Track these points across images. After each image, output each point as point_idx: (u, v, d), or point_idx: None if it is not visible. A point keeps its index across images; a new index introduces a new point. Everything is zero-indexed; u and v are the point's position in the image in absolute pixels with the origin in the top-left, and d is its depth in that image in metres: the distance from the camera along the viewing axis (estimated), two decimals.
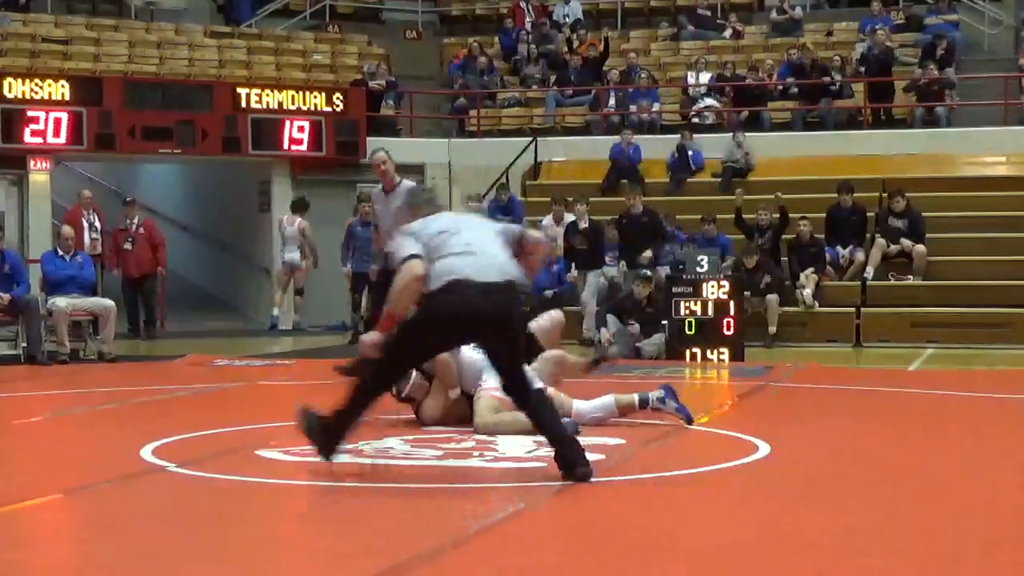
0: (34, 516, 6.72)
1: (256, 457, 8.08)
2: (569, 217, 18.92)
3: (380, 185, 12.76)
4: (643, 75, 24.35)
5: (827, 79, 23.07)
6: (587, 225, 18.28)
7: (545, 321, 9.99)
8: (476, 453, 8.04)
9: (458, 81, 25.41)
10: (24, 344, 15.39)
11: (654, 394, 9.22)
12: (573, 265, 18.31)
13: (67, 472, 7.85)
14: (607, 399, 9.27)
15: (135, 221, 19.94)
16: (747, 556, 5.53)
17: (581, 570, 5.33)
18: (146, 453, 8.15)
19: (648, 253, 18.02)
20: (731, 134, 22.12)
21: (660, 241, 18.30)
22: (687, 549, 5.66)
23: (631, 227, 18.48)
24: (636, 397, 9.25)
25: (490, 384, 8.70)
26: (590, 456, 7.36)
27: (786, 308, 17.90)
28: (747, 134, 22.16)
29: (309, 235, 20.67)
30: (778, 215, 18.65)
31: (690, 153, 21.86)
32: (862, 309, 18.26)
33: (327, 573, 5.39)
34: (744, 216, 18.88)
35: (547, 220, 19.05)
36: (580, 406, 9.15)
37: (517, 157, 22.46)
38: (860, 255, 18.84)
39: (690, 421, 9.20)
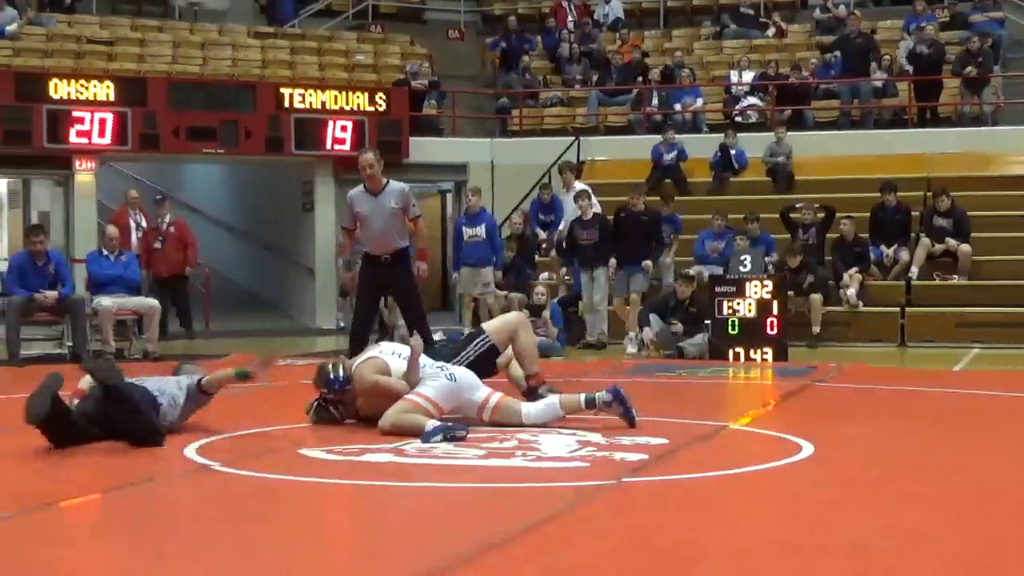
0: (78, 514, 6.76)
1: (299, 456, 8.10)
2: (579, 185, 18.86)
3: (361, 186, 12.61)
4: (684, 73, 24.25)
5: (875, 78, 22.96)
6: (595, 215, 17.73)
7: (497, 321, 10.49)
8: (518, 453, 8.03)
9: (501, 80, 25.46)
10: (70, 343, 15.49)
11: (600, 395, 9.22)
12: (576, 262, 17.89)
13: (112, 470, 7.88)
14: (551, 400, 9.40)
15: (166, 220, 19.71)
16: (790, 557, 5.50)
17: (623, 570, 5.31)
18: (190, 451, 8.19)
19: (648, 262, 17.48)
20: (772, 133, 22.06)
21: (656, 244, 17.84)
22: (729, 549, 5.64)
23: (629, 224, 17.61)
24: (582, 397, 9.29)
25: (416, 390, 8.97)
26: (634, 456, 7.35)
27: (830, 308, 17.83)
28: (790, 133, 22.08)
29: None
30: (823, 213, 18.58)
31: (733, 152, 21.80)
32: (906, 309, 18.17)
33: (368, 573, 5.40)
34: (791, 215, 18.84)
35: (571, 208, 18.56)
36: (527, 410, 9.27)
37: (560, 156, 22.42)
38: (904, 254, 18.74)
39: (632, 424, 9.11)
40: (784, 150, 21.53)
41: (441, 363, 9.37)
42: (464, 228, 18.50)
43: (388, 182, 12.56)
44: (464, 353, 9.91)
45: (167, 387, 8.96)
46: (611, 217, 17.85)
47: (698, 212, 20.15)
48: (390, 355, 9.31)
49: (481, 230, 18.27)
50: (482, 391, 9.26)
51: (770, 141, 21.84)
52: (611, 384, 9.42)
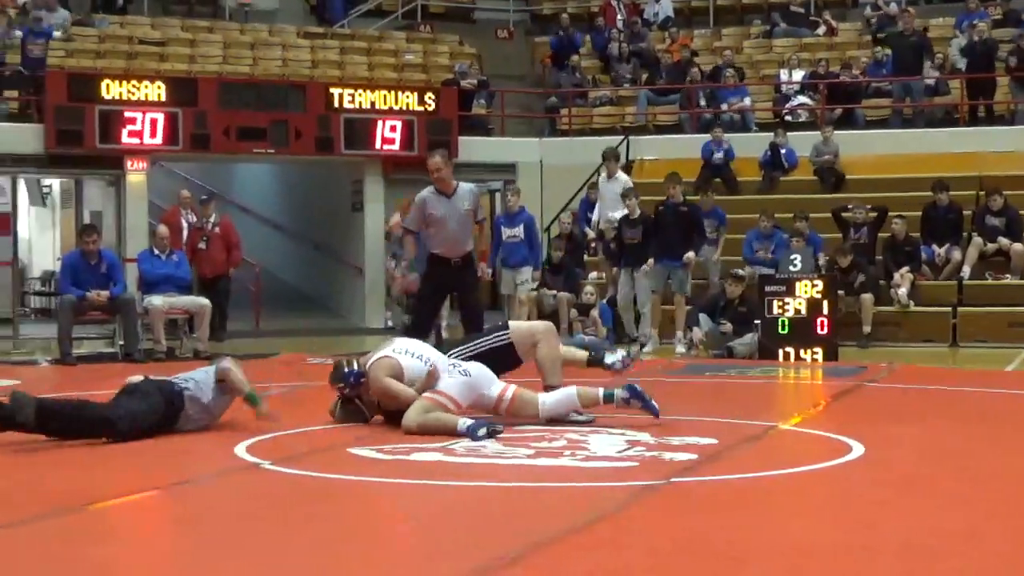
0: (130, 512, 6.81)
1: (348, 455, 8.13)
2: (622, 176, 18.90)
3: (431, 188, 12.51)
4: (729, 72, 24.14)
5: (927, 76, 22.82)
6: (641, 214, 17.46)
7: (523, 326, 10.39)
8: (567, 452, 8.03)
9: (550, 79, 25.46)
10: (121, 342, 15.60)
11: (618, 392, 9.25)
12: (621, 262, 17.68)
13: (163, 468, 7.94)
14: (569, 391, 9.37)
15: (211, 219, 19.19)
16: (840, 557, 5.48)
17: (673, 570, 5.31)
18: (240, 450, 8.24)
19: (691, 255, 17.28)
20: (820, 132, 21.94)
21: (697, 236, 17.49)
22: (779, 550, 5.62)
23: (668, 217, 17.38)
24: (600, 392, 9.30)
25: (434, 388, 9.02)
26: (683, 456, 7.32)
27: (881, 307, 17.72)
28: (841, 131, 21.98)
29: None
30: (875, 212, 18.48)
31: (783, 151, 21.71)
32: (958, 308, 18.04)
33: (417, 571, 5.41)
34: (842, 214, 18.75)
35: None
36: (544, 401, 9.30)
37: None
38: (956, 254, 18.61)
39: (656, 415, 9.16)
40: (831, 149, 21.41)
41: (453, 360, 9.41)
42: (503, 228, 18.30)
43: (458, 184, 12.40)
44: (479, 342, 9.91)
45: (194, 374, 9.14)
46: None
47: (747, 211, 20.06)
48: (403, 354, 9.31)
49: (520, 230, 18.06)
50: (497, 385, 9.29)
51: (817, 141, 21.72)
52: (627, 383, 9.42)
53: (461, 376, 9.15)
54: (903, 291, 17.87)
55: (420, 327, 12.48)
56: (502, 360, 9.76)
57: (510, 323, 10.34)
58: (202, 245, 18.98)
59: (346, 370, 9.37)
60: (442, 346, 10.38)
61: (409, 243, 13.33)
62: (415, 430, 8.78)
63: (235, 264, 19.47)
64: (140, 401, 8.74)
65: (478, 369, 9.32)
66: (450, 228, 12.20)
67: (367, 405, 9.43)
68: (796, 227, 18.29)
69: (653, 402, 9.20)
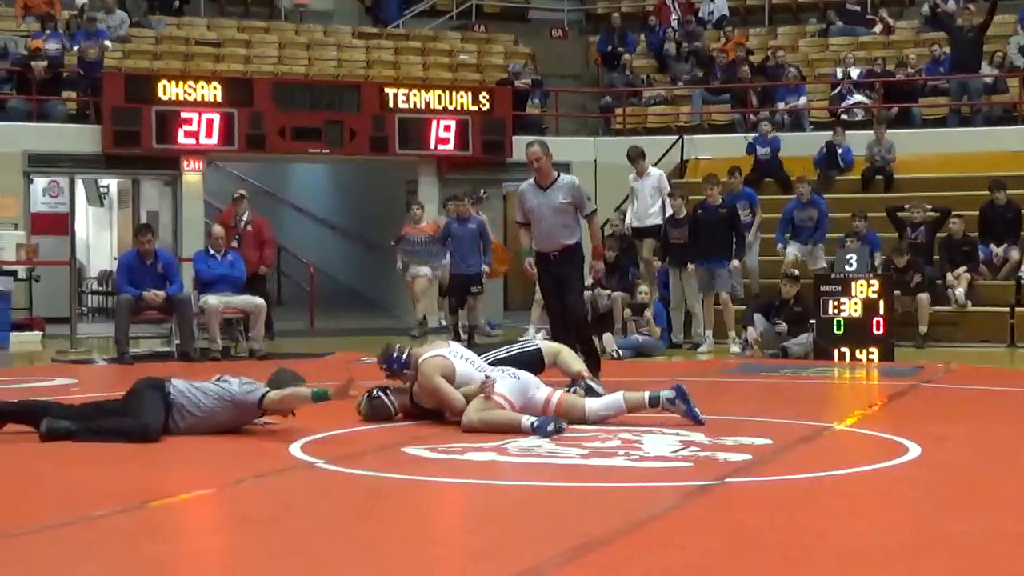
0: (186, 510, 6.86)
1: (402, 454, 8.15)
2: (654, 171, 18.67)
3: (531, 179, 12.34)
4: (791, 73, 24.04)
5: (985, 74, 22.63)
6: (687, 214, 17.38)
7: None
8: (621, 452, 8.02)
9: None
10: (177, 341, 15.70)
11: (664, 393, 9.24)
12: (668, 262, 17.67)
13: (220, 467, 8.00)
14: (615, 396, 9.43)
15: (244, 218, 18.36)
16: (895, 558, 5.45)
17: (727, 571, 5.29)
18: (295, 449, 8.28)
19: (736, 262, 17.20)
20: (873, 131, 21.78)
21: (738, 237, 17.27)
22: (834, 550, 5.60)
23: (707, 219, 17.15)
24: (646, 396, 9.31)
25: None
26: (737, 456, 7.29)
27: (937, 308, 17.59)
28: (898, 130, 21.82)
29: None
30: (936, 213, 18.32)
31: (839, 151, 21.58)
32: (1016, 309, 17.87)
33: (471, 570, 5.42)
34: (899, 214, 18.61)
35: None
36: (591, 404, 9.34)
37: (663, 155, 22.33)
38: (1015, 253, 18.44)
39: (699, 423, 9.11)
40: (883, 148, 21.24)
41: (501, 366, 9.51)
42: None
43: (559, 175, 12.02)
44: (512, 346, 10.36)
45: (208, 386, 9.00)
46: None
47: None
48: (458, 358, 9.39)
49: None
50: (544, 389, 9.34)
51: (870, 140, 21.58)
52: (675, 384, 9.42)
53: (512, 379, 9.19)
54: (960, 291, 17.73)
55: (553, 323, 12.34)
56: (529, 366, 9.83)
57: (535, 340, 11.10)
58: (234, 244, 17.94)
59: (395, 354, 9.45)
60: (474, 349, 10.43)
61: (522, 235, 12.68)
62: (477, 426, 8.82)
63: (267, 263, 18.67)
64: (156, 404, 8.78)
65: (525, 374, 9.41)
66: (543, 221, 11.88)
67: (396, 398, 9.49)
68: (854, 226, 18.17)
69: (697, 409, 9.19)
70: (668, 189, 18.37)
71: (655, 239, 18.20)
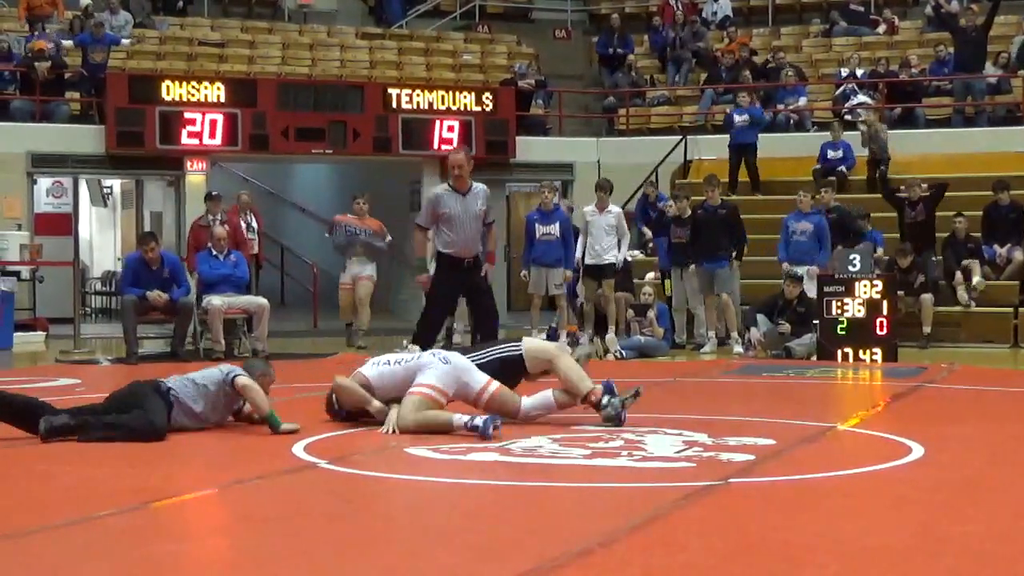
0: (189, 510, 6.86)
1: (405, 454, 8.15)
2: (615, 210, 17.75)
3: (446, 185, 12.44)
4: (789, 73, 24.02)
5: (988, 75, 22.62)
6: (690, 214, 17.32)
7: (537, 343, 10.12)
8: (624, 453, 8.02)
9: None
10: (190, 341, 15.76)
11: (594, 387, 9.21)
12: (671, 261, 17.68)
13: (222, 467, 8.00)
14: (546, 393, 9.35)
15: (217, 218, 17.80)
16: (899, 560, 5.44)
17: (730, 571, 5.29)
18: (298, 449, 8.27)
19: (737, 264, 17.21)
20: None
21: (738, 238, 17.24)
22: (838, 552, 5.59)
23: (706, 220, 17.20)
24: (579, 396, 9.26)
25: (417, 381, 8.95)
26: (740, 457, 7.28)
27: (941, 308, 17.58)
28: (901, 130, 21.81)
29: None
30: (930, 189, 18.26)
31: (837, 153, 21.54)
32: (1020, 309, 17.87)
33: (474, 570, 5.41)
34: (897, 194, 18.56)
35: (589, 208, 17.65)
36: (524, 402, 9.26)
37: (667, 155, 22.36)
38: (1018, 254, 18.43)
39: (620, 422, 9.04)
40: (878, 143, 21.12)
41: (432, 349, 9.47)
42: (537, 225, 17.39)
43: (472, 183, 12.35)
44: (489, 351, 9.59)
45: (196, 376, 9.14)
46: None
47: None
48: (372, 365, 9.29)
49: (555, 228, 17.20)
50: (479, 376, 9.15)
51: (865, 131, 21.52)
52: (603, 380, 9.37)
53: (441, 363, 9.09)
54: (977, 279, 17.68)
55: (430, 328, 12.42)
56: (509, 372, 9.44)
57: (524, 339, 10.06)
58: (208, 245, 17.30)
59: (335, 408, 9.44)
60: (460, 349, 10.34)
61: (421, 240, 12.84)
62: (413, 428, 8.78)
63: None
64: (158, 403, 8.81)
65: (456, 357, 9.26)
66: (464, 228, 12.12)
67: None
68: (857, 225, 18.14)
69: (625, 412, 9.11)
70: (627, 233, 17.68)
71: (612, 278, 17.17)
